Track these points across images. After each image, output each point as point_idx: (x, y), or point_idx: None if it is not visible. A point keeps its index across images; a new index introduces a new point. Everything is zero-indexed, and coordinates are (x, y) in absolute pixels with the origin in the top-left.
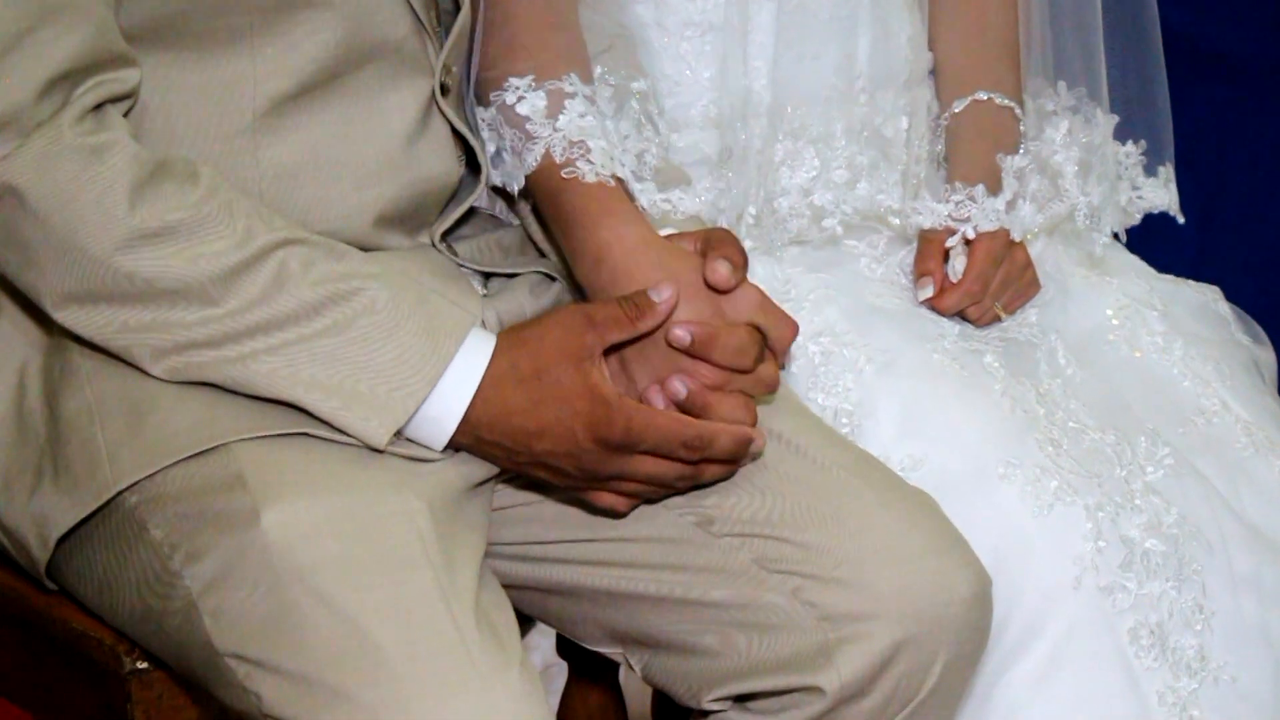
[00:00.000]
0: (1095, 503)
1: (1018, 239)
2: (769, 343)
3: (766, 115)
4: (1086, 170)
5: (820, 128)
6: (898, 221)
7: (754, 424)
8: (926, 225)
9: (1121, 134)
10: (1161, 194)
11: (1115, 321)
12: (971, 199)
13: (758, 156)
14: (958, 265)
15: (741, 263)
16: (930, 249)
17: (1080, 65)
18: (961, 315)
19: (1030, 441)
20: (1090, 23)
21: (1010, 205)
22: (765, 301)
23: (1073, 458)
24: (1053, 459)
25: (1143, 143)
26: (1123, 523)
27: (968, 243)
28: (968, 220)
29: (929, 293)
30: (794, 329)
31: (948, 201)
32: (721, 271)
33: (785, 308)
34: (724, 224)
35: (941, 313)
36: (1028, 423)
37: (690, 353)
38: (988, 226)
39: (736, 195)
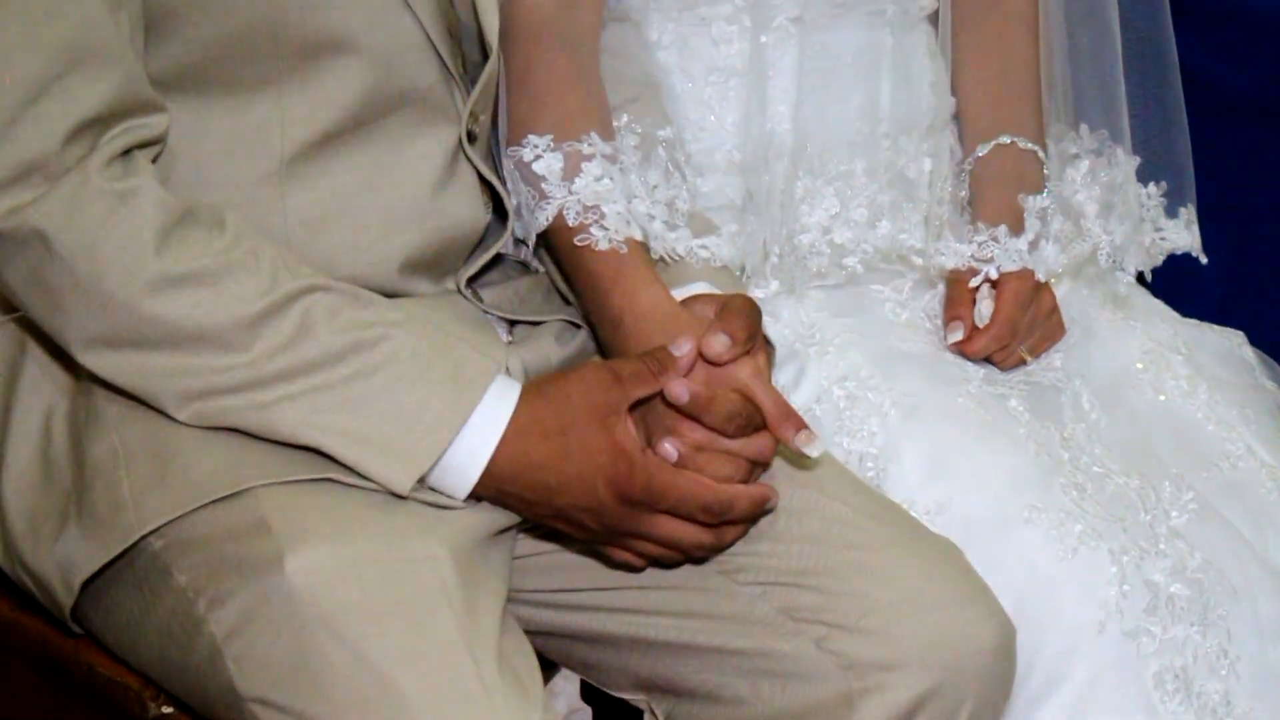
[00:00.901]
0: (1120, 547)
1: (1043, 279)
2: (764, 418)
3: (789, 156)
4: (1109, 210)
5: (840, 166)
6: (920, 261)
7: (746, 481)
8: (950, 265)
9: (1143, 176)
10: (1184, 235)
11: (1140, 365)
12: (995, 239)
13: (780, 197)
14: (984, 310)
15: (743, 338)
16: (960, 294)
17: (1101, 108)
18: (987, 359)
19: (1055, 486)
20: (1110, 65)
21: (1033, 245)
22: (759, 380)
23: (1097, 502)
24: (1077, 503)
25: (1164, 184)
26: (1147, 567)
27: (994, 286)
28: (991, 260)
29: (958, 336)
30: (784, 409)
31: (971, 242)
32: (715, 346)
33: (810, 353)
34: (749, 265)
35: (969, 357)
36: (1052, 467)
37: (684, 411)
38: (1010, 266)
39: (759, 238)
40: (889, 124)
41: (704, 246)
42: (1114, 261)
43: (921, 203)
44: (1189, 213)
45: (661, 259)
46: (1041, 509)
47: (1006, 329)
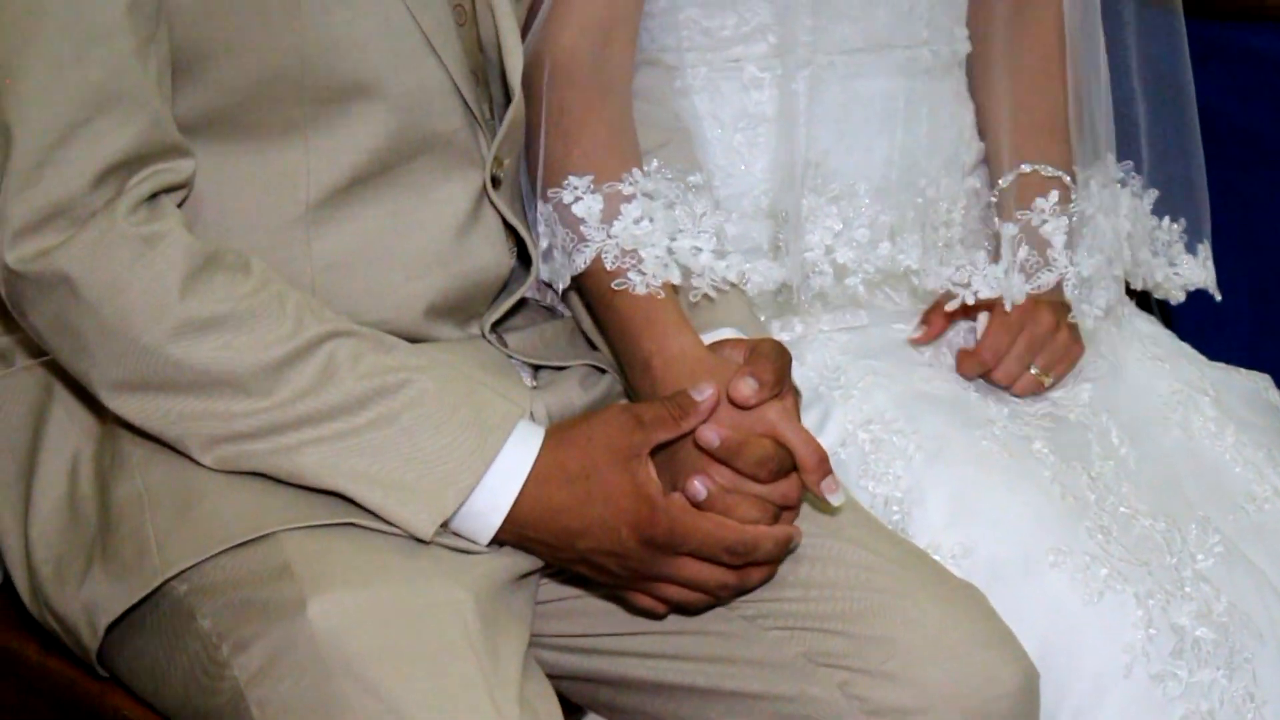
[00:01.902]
0: (1145, 590)
1: (1008, 307)
2: (795, 462)
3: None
4: (1135, 241)
5: (842, 185)
6: (917, 282)
7: (772, 524)
8: (930, 287)
9: (1160, 210)
10: (1199, 271)
11: (1168, 405)
12: (973, 264)
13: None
14: (980, 330)
15: (771, 381)
16: (938, 303)
17: (1121, 142)
18: (1008, 390)
19: (1080, 529)
20: (1131, 102)
21: (1007, 274)
22: (790, 422)
23: (1123, 545)
24: (1103, 546)
25: (1182, 220)
26: (1173, 611)
27: (990, 311)
28: (968, 285)
29: (917, 335)
30: (819, 454)
31: (950, 265)
32: (743, 390)
33: (834, 396)
34: (796, 285)
35: (964, 376)
36: (1078, 509)
37: (715, 455)
38: (988, 293)
39: (799, 258)
40: (919, 170)
41: (755, 270)
42: (1081, 292)
43: (931, 228)
44: (1205, 249)
45: (692, 301)
46: (1066, 552)
47: (990, 354)
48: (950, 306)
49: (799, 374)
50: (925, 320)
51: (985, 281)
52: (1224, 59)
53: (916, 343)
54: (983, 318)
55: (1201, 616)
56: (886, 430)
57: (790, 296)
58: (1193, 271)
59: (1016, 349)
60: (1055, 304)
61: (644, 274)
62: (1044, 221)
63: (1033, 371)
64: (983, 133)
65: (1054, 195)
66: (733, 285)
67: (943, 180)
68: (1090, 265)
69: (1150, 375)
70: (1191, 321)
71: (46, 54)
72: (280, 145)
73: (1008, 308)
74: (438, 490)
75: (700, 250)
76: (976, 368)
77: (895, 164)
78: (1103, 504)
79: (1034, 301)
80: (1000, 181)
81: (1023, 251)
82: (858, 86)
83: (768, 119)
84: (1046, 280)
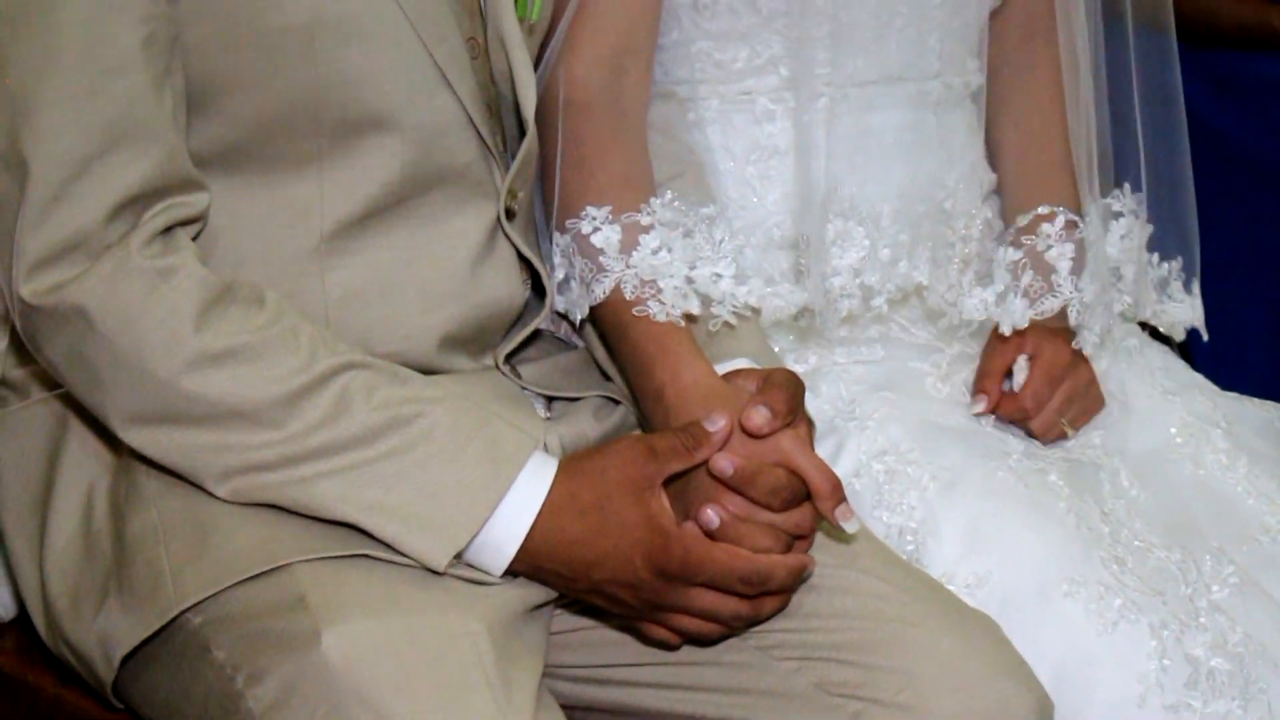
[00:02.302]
0: (1160, 621)
1: (1006, 332)
2: (809, 490)
3: (821, 200)
4: (1140, 273)
5: (868, 208)
6: (929, 300)
7: (785, 553)
8: (934, 304)
9: (1154, 246)
10: (1185, 310)
11: (1179, 440)
12: (961, 285)
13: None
14: (1019, 380)
15: (784, 410)
16: (991, 366)
17: (1128, 176)
18: (1028, 432)
19: (1094, 559)
20: (1130, 135)
21: (1001, 298)
22: (803, 451)
23: (1137, 575)
24: (1117, 577)
25: (1178, 259)
26: (1188, 641)
27: (1031, 359)
28: (955, 306)
29: (980, 409)
30: (833, 481)
31: (945, 285)
32: (756, 419)
33: (849, 427)
34: (817, 307)
35: (999, 418)
36: (1092, 540)
37: (728, 484)
38: (974, 315)
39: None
40: (930, 202)
41: (776, 294)
42: (1081, 318)
43: (946, 244)
44: (1195, 287)
45: (711, 330)
46: (1081, 583)
47: (1032, 402)
48: (988, 336)
49: (814, 405)
50: (983, 389)
51: (973, 305)
52: (1241, 89)
53: (980, 415)
54: (1021, 362)
55: (1216, 647)
56: (901, 461)
57: (811, 321)
58: (1182, 309)
59: (1055, 401)
60: (1085, 357)
61: (663, 303)
62: (1049, 247)
63: (1062, 422)
64: (994, 164)
65: (1059, 221)
66: (753, 311)
67: (961, 195)
68: (1092, 292)
69: (1161, 410)
70: (1208, 349)
71: (62, 88)
72: (295, 178)
73: (1005, 332)
74: (451, 521)
75: (721, 276)
76: (1017, 414)
77: (908, 195)
78: (1117, 535)
79: (1073, 354)
80: (1018, 220)
81: (1027, 277)
82: (871, 119)
83: (780, 151)
84: (1050, 306)
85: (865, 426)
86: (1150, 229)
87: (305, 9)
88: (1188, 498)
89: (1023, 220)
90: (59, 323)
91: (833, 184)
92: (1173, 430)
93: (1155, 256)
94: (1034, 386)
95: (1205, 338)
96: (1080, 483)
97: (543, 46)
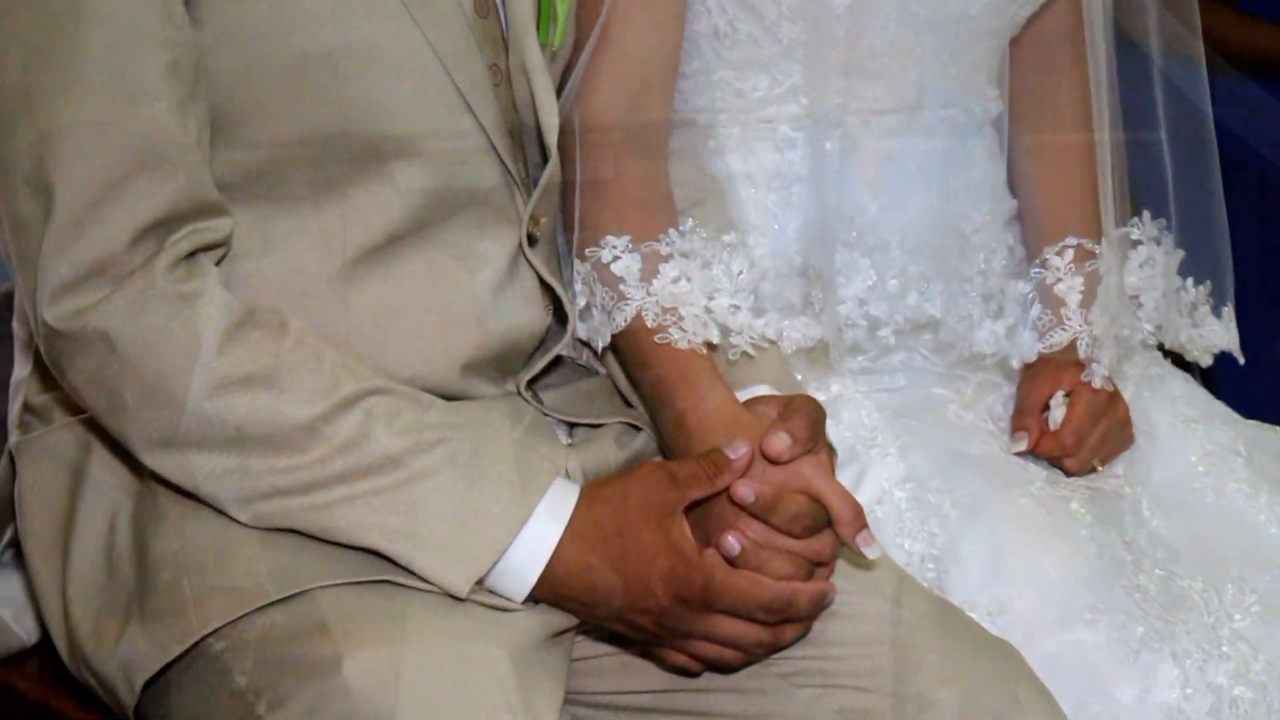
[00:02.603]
0: (1183, 649)
1: (1016, 365)
2: (830, 517)
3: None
4: (1165, 300)
5: (876, 238)
6: (944, 336)
7: (806, 580)
8: (942, 337)
9: (1185, 271)
10: (1221, 334)
11: (1201, 468)
12: (973, 318)
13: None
14: (1056, 416)
15: (804, 436)
16: (1029, 402)
17: (1150, 202)
18: (1054, 463)
19: (1117, 588)
20: (1159, 162)
21: (1011, 331)
22: (824, 477)
23: (1159, 604)
24: (1139, 605)
25: (1207, 283)
26: (1210, 670)
27: (1068, 394)
28: (965, 338)
29: (1021, 447)
30: (854, 508)
31: (956, 317)
32: (776, 445)
33: (871, 454)
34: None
35: (1036, 454)
36: (1114, 569)
37: (749, 511)
38: (985, 349)
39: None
40: (951, 229)
41: (793, 327)
42: (1092, 350)
43: (964, 278)
44: (1229, 312)
45: (730, 359)
46: (1103, 611)
47: (1073, 438)
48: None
49: (835, 433)
50: (1023, 427)
51: (985, 339)
52: (1266, 116)
53: (1021, 454)
54: (1059, 397)
55: (1239, 676)
56: (922, 489)
57: (825, 353)
58: (1215, 334)
59: (1092, 438)
60: (1119, 393)
61: (684, 330)
62: (1058, 280)
63: (1094, 459)
64: (1014, 190)
65: (1069, 254)
66: (770, 343)
67: (982, 225)
68: (1101, 325)
69: (1182, 439)
70: (1231, 376)
71: (86, 114)
72: (318, 203)
73: (1015, 365)
74: (473, 548)
75: (738, 309)
76: (1056, 450)
77: (929, 222)
78: (1139, 564)
79: (1110, 392)
80: (1044, 251)
81: (1036, 309)
82: (890, 146)
83: (801, 178)
84: (1059, 339)
85: (887, 454)
86: (1180, 254)
87: (329, 36)
88: (1209, 526)
89: (1049, 251)
90: (82, 347)
91: (846, 213)
92: (1194, 459)
93: (1189, 281)
94: (1075, 424)
95: (1241, 361)
96: (1102, 511)
97: (565, 73)
